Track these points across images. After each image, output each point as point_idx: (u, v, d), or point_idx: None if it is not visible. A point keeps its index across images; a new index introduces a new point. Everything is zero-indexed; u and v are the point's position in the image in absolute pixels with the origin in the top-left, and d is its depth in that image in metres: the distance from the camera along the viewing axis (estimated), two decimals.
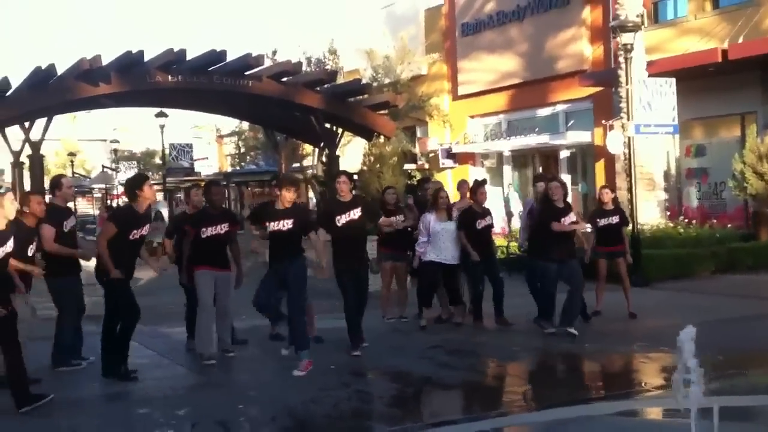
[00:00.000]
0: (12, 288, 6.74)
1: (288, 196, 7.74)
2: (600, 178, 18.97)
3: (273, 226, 7.70)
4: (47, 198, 8.20)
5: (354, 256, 8.29)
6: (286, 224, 7.68)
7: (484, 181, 10.46)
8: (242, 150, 31.13)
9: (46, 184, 9.71)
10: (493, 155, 23.87)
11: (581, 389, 7.36)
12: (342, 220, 8.22)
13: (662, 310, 10.50)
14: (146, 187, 7.68)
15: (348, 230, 8.22)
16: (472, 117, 24.19)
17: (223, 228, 8.15)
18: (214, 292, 8.17)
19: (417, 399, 7.12)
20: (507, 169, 23.37)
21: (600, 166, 19.56)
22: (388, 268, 10.13)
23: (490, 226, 9.99)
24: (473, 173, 22.82)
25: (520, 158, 23.38)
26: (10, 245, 6.55)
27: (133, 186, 7.71)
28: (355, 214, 8.26)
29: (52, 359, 7.96)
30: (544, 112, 21.97)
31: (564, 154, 21.37)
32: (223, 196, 8.66)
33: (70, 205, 9.23)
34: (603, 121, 18.50)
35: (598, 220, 10.04)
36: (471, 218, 9.67)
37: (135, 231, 7.52)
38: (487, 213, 9.92)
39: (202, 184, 9.95)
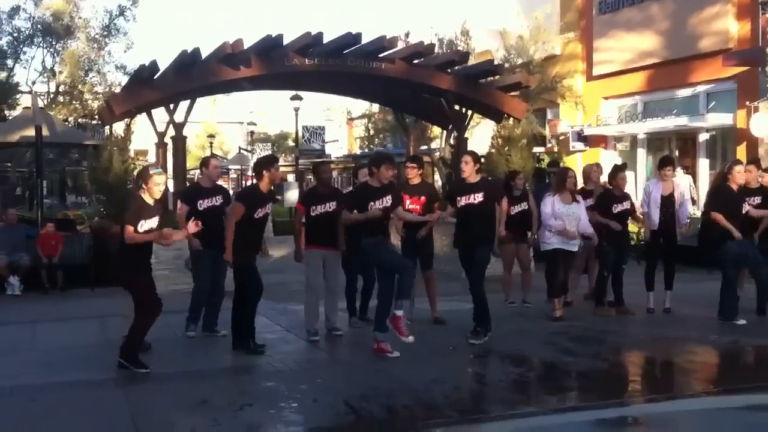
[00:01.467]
0: (147, 259, 7.21)
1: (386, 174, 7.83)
2: None
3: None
4: (196, 176, 8.69)
5: (471, 238, 8.18)
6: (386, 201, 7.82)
7: (624, 166, 10.27)
8: (371, 132, 31.53)
9: (188, 165, 10.19)
10: (626, 138, 23.09)
11: (711, 381, 7.10)
12: (462, 201, 8.19)
13: None
14: (274, 168, 7.97)
15: (466, 213, 8.18)
16: (606, 98, 23.47)
17: (331, 206, 8.31)
18: (322, 270, 8.38)
19: (537, 384, 7.05)
20: (641, 153, 22.55)
21: (741, 150, 18.55)
22: (509, 250, 10.04)
23: (627, 211, 9.69)
24: (605, 157, 22.17)
25: (656, 141, 22.51)
26: (155, 221, 7.08)
27: (263, 166, 8.01)
28: (476, 198, 8.14)
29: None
30: (683, 93, 21.03)
31: (703, 137, 20.39)
32: (331, 175, 8.80)
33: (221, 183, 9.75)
34: (747, 103, 17.53)
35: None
36: (608, 202, 9.49)
37: (260, 210, 7.84)
38: (626, 198, 9.66)
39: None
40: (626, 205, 9.64)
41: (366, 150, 34.33)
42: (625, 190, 9.77)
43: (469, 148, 15.59)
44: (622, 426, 6.09)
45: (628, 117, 22.73)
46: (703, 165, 20.09)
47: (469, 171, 8.25)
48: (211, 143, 47.13)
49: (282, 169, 37.00)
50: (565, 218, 9.02)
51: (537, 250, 9.92)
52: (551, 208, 9.08)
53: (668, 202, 9.52)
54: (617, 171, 9.78)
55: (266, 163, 8.05)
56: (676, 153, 21.36)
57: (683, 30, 20.35)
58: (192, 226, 7.28)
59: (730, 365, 7.75)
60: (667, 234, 9.58)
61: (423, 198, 8.77)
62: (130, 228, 6.91)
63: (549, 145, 24.56)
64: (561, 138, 24.19)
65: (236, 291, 7.96)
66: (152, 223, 7.06)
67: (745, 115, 17.73)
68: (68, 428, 5.82)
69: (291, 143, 40.55)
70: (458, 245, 8.35)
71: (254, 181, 8.33)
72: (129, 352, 7.13)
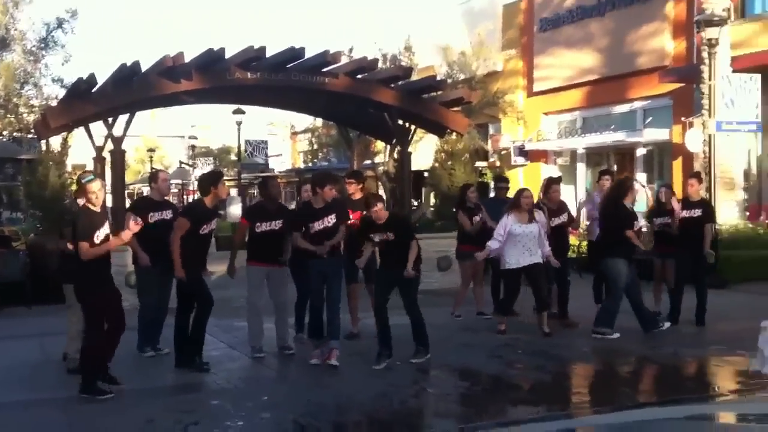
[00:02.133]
0: (109, 271, 7.02)
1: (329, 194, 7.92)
2: (677, 177, 18.51)
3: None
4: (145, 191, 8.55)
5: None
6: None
7: (558, 179, 10.40)
8: (315, 147, 31.49)
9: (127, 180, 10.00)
10: (566, 153, 23.53)
11: (652, 392, 7.23)
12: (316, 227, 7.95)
13: (739, 313, 10.19)
14: (221, 184, 7.90)
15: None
16: (546, 114, 23.90)
17: (278, 224, 8.23)
18: (265, 287, 8.31)
19: (484, 397, 7.08)
20: (581, 167, 23.00)
21: (677, 165, 19.07)
22: (468, 265, 10.07)
23: (564, 224, 9.87)
24: (545, 171, 22.54)
25: (595, 156, 22.98)
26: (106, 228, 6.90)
27: (209, 182, 7.91)
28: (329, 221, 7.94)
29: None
30: (621, 109, 21.54)
31: (641, 152, 20.91)
32: (279, 191, 8.73)
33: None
34: (683, 119, 18.04)
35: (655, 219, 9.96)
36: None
37: (205, 225, 7.76)
38: (562, 211, 9.82)
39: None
40: (563, 218, 9.80)
41: (310, 164, 34.28)
42: (561, 203, 9.93)
43: (413, 162, 15.73)
44: None
45: (568, 132, 23.18)
46: (641, 179, 20.55)
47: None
48: (151, 157, 46.45)
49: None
50: (522, 238, 8.95)
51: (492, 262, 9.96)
52: (505, 229, 8.96)
53: None
54: (550, 183, 9.93)
55: (213, 180, 7.96)
56: (615, 167, 21.82)
57: (621, 47, 20.86)
58: (133, 225, 7.08)
59: (668, 376, 7.90)
60: None
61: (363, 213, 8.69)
62: (84, 245, 6.68)
63: (491, 160, 24.87)
64: (503, 153, 24.53)
65: (180, 307, 7.82)
66: (105, 230, 6.90)
67: (681, 131, 18.24)
68: None
69: (233, 157, 40.22)
70: (384, 266, 8.11)
71: (198, 196, 8.22)
72: (88, 378, 6.82)
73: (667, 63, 19.65)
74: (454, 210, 11.05)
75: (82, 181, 6.97)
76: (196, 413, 6.44)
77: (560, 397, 7.03)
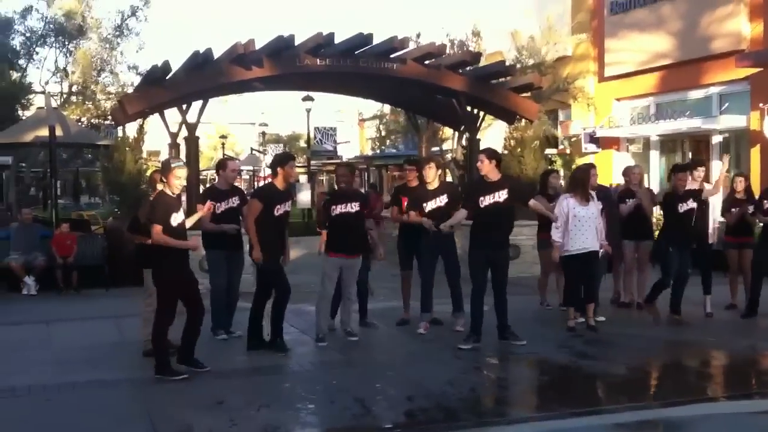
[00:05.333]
0: (186, 256, 7.16)
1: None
2: (755, 166, 17.93)
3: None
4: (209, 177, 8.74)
5: (491, 241, 8.05)
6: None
7: (687, 165, 10.14)
8: (383, 133, 31.55)
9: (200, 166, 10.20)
10: (639, 140, 23.02)
11: (726, 386, 7.06)
12: (486, 201, 8.04)
13: None
14: (288, 166, 7.96)
15: (490, 213, 7.99)
16: (618, 100, 23.39)
17: (354, 206, 8.26)
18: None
19: (553, 387, 7.02)
20: (654, 155, 22.47)
21: (755, 153, 18.46)
22: (547, 254, 9.85)
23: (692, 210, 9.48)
24: (617, 159, 22.09)
25: (669, 143, 22.42)
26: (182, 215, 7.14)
27: (278, 163, 8.02)
28: (501, 195, 7.99)
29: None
30: (696, 94, 20.93)
31: (716, 139, 20.29)
32: (352, 178, 8.78)
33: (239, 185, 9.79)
34: (761, 105, 17.43)
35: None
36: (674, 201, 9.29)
37: (278, 206, 7.83)
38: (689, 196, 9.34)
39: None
40: (690, 203, 9.28)
41: (378, 151, 34.34)
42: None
43: (493, 148, 15.60)
44: (638, 430, 6.07)
45: (641, 119, 22.64)
46: (717, 167, 20.00)
47: (487, 169, 8.07)
48: (223, 144, 47.22)
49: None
50: (584, 221, 8.69)
51: None
52: (566, 210, 8.69)
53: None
54: (677, 171, 9.50)
55: (281, 160, 8.05)
56: (690, 155, 21.26)
57: (695, 31, 20.27)
58: (206, 208, 7.49)
59: (746, 370, 7.70)
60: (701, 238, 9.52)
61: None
62: (158, 227, 6.86)
63: (561, 147, 24.49)
64: (573, 140, 24.13)
65: (258, 292, 7.95)
66: (181, 215, 7.08)
67: (759, 117, 17.64)
68: (84, 428, 5.83)
69: (303, 144, 40.63)
70: (478, 247, 8.11)
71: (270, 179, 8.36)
72: (161, 360, 7.02)
73: (743, 47, 18.99)
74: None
75: (172, 164, 7.15)
76: (267, 396, 6.56)
77: (630, 390, 6.92)
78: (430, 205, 8.59)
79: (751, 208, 9.62)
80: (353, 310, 8.73)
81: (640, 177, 10.29)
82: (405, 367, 7.49)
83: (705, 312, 9.50)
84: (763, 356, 8.04)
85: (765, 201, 9.44)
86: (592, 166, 10.29)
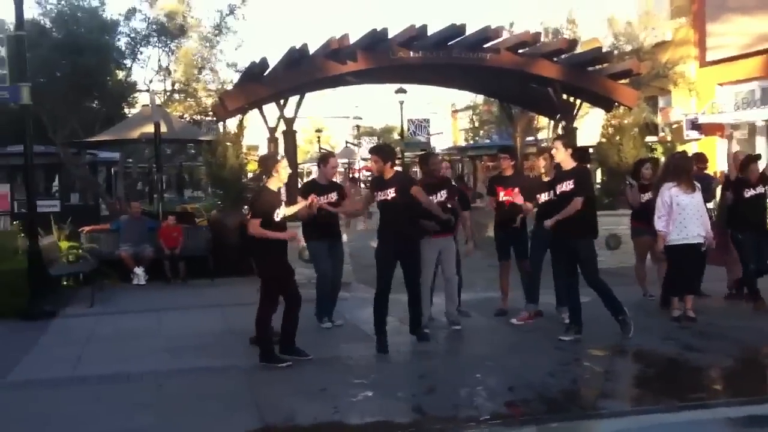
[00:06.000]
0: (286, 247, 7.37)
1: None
2: None
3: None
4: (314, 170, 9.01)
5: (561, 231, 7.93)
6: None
7: (758, 156, 10.10)
8: (476, 124, 31.36)
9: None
10: (744, 126, 22.15)
11: None
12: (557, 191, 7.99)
13: None
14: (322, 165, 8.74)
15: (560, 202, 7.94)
16: (721, 84, 22.56)
17: (442, 195, 8.35)
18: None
19: (657, 380, 6.87)
20: (761, 141, 21.58)
21: None
22: (642, 242, 9.73)
23: (761, 195, 9.29)
24: (721, 146, 21.33)
25: None
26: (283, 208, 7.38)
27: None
28: (568, 185, 7.85)
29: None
30: None
31: None
32: (440, 167, 8.85)
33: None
34: None
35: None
36: (740, 187, 9.21)
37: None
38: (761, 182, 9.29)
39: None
40: (760, 189, 9.27)
41: (471, 142, 34.18)
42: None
43: (579, 138, 15.33)
44: (749, 426, 5.89)
45: (746, 104, 21.78)
46: None
47: (561, 157, 7.92)
48: (319, 137, 47.92)
49: None
50: (689, 210, 8.46)
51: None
52: (668, 200, 8.49)
53: None
54: (749, 162, 9.43)
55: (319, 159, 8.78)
56: None
57: None
58: (309, 200, 7.82)
59: None
60: None
61: (516, 189, 8.63)
62: (255, 221, 7.10)
63: (662, 134, 23.81)
64: (674, 126, 23.42)
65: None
66: (282, 211, 7.31)
67: None
68: (195, 413, 6.07)
69: (396, 136, 40.87)
70: (556, 235, 8.00)
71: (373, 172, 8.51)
72: (265, 347, 7.22)
73: None
74: (624, 185, 10.70)
75: (278, 157, 7.44)
76: (367, 383, 6.68)
77: (738, 383, 6.71)
78: (543, 197, 8.45)
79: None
80: (454, 295, 8.74)
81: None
82: (504, 357, 7.48)
83: None
84: None
85: None
86: (701, 157, 10.03)
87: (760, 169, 9.53)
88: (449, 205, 8.42)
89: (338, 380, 6.77)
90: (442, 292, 8.72)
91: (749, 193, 9.16)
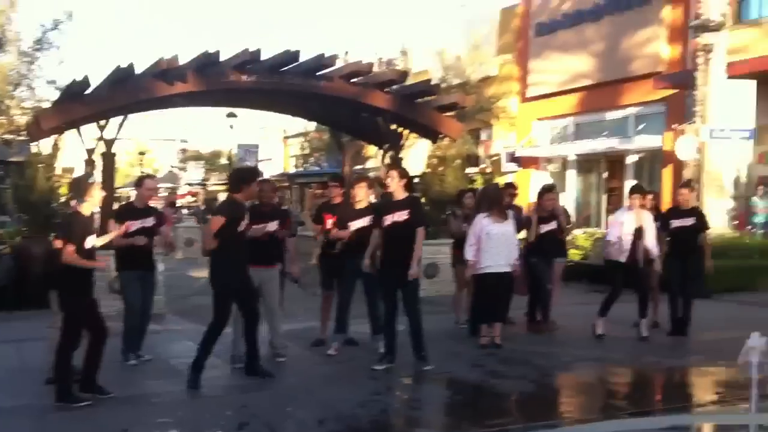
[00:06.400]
0: (91, 278, 6.98)
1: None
2: (666, 186, 18.49)
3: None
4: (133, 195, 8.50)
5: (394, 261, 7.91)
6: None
7: (552, 186, 10.46)
8: (307, 151, 31.48)
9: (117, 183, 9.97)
10: (557, 160, 23.51)
11: (633, 402, 7.18)
12: (388, 220, 7.96)
13: (722, 323, 10.16)
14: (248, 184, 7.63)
15: (393, 232, 7.92)
16: (539, 120, 23.87)
17: (273, 226, 8.20)
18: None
19: (467, 406, 7.04)
20: (571, 174, 22.96)
21: (667, 173, 19.03)
22: (462, 270, 9.84)
23: (554, 231, 9.84)
24: (536, 178, 22.50)
25: (585, 163, 22.94)
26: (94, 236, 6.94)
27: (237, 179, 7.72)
28: (402, 216, 7.91)
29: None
30: (614, 115, 21.52)
31: (631, 159, 20.87)
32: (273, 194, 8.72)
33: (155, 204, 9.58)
34: (675, 126, 18.00)
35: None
36: (528, 222, 9.68)
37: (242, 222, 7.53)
38: (554, 218, 9.88)
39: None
40: (553, 224, 9.80)
41: (301, 169, 34.26)
42: (552, 211, 9.94)
43: (404, 167, 15.68)
44: None
45: (560, 138, 23.14)
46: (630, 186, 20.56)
47: (394, 186, 8.01)
48: (141, 161, 46.38)
49: (215, 187, 36.71)
50: (497, 238, 8.76)
51: None
52: (480, 228, 8.77)
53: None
54: (544, 192, 10.00)
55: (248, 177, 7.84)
56: (605, 175, 21.81)
57: (616, 53, 20.85)
58: (121, 230, 7.37)
59: (648, 386, 7.87)
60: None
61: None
62: (71, 248, 6.66)
63: (482, 166, 24.83)
64: (494, 159, 24.50)
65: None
66: (94, 239, 6.89)
67: (672, 138, 18.20)
68: None
69: (224, 161, 40.29)
70: (383, 265, 8.06)
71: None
72: (62, 386, 6.74)
73: (661, 69, 19.61)
74: (446, 214, 11.00)
75: (89, 180, 7.02)
76: (174, 422, 6.42)
77: (541, 408, 6.99)
78: (356, 224, 8.53)
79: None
80: (278, 326, 8.57)
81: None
82: (318, 389, 7.41)
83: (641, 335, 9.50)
84: (669, 372, 8.22)
85: (672, 220, 9.70)
86: (510, 185, 10.49)
87: (555, 199, 10.06)
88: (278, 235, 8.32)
89: (141, 419, 6.45)
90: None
91: (544, 228, 9.72)
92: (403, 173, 8.23)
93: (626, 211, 9.48)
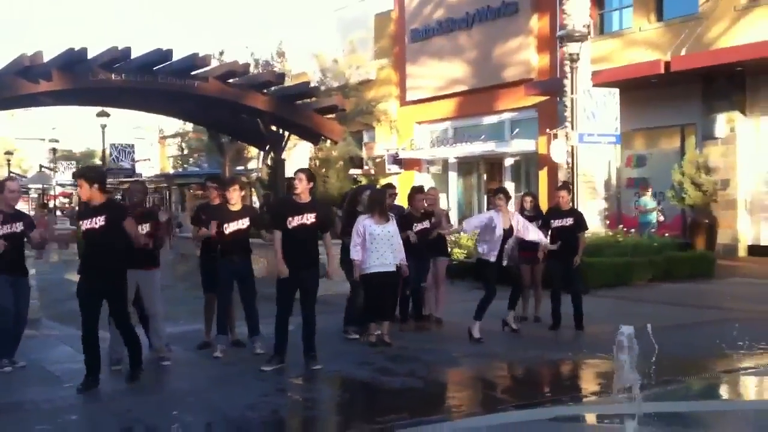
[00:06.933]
0: None
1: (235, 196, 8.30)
2: (543, 187, 19.20)
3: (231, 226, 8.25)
4: None
5: (301, 261, 7.93)
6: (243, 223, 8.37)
7: (421, 188, 10.64)
8: (185, 152, 30.81)
9: None
10: (438, 162, 23.97)
11: (518, 395, 7.38)
12: (294, 222, 7.91)
13: (600, 318, 10.59)
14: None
15: (299, 233, 7.89)
16: (419, 123, 24.28)
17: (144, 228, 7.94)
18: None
19: (354, 404, 7.04)
20: (452, 176, 23.49)
21: (543, 175, 19.79)
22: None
23: (426, 229, 9.99)
24: (419, 179, 22.86)
25: (465, 165, 23.51)
26: None
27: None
28: (309, 218, 7.89)
29: None
30: (490, 119, 22.16)
31: (509, 162, 21.57)
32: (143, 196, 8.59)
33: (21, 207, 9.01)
34: (547, 130, 18.72)
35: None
36: (408, 222, 9.71)
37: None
38: (426, 217, 9.97)
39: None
40: (426, 224, 9.94)
41: (180, 170, 33.48)
42: (427, 210, 10.09)
43: (287, 169, 15.58)
44: None
45: (440, 142, 23.61)
46: (509, 188, 21.14)
47: (302, 189, 8.01)
48: (9, 160, 44.05)
49: None
50: (380, 239, 8.81)
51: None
52: (362, 229, 8.79)
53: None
54: (414, 193, 10.16)
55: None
56: (485, 176, 22.42)
57: (489, 60, 21.48)
58: None
59: (534, 379, 8.12)
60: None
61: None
62: None
63: (366, 167, 25.01)
64: (377, 161, 24.73)
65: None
66: None
67: (546, 142, 18.93)
68: None
69: (98, 161, 38.88)
70: (288, 267, 7.90)
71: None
72: None
73: (532, 76, 20.36)
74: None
75: None
76: (52, 429, 6.09)
77: (431, 402, 7.07)
78: (231, 227, 8.43)
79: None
80: (160, 329, 8.32)
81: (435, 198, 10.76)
82: (205, 392, 7.23)
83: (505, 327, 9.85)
84: (552, 365, 8.51)
85: (552, 220, 10.05)
86: (390, 186, 10.58)
87: (425, 199, 10.22)
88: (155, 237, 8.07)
89: (16, 428, 6.08)
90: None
91: (417, 227, 9.80)
92: (311, 176, 8.22)
93: (495, 212, 9.62)
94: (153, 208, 8.41)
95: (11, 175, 28.35)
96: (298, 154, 21.10)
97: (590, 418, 6.80)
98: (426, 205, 10.13)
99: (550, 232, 9.90)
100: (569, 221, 9.97)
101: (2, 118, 34.67)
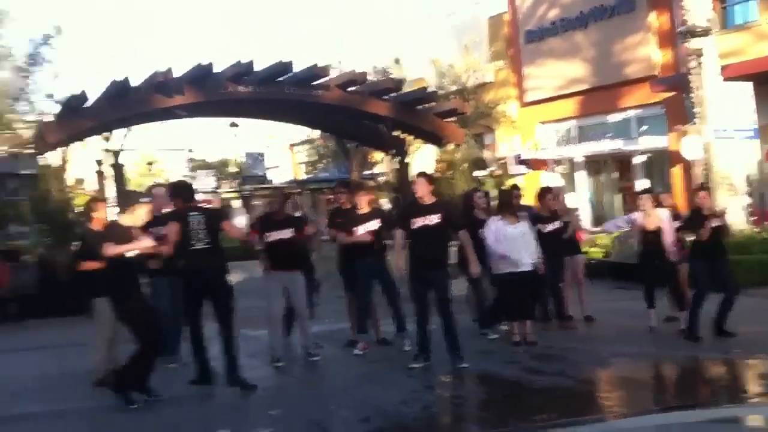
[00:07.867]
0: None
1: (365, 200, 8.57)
2: (677, 184, 18.62)
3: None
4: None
5: (427, 260, 8.01)
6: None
7: (549, 188, 10.62)
8: (315, 158, 31.60)
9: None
10: (565, 161, 23.61)
11: (675, 396, 7.23)
12: (418, 223, 8.03)
13: (750, 318, 10.17)
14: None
15: (423, 234, 7.99)
16: (542, 123, 23.98)
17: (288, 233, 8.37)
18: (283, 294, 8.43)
19: (505, 402, 7.06)
20: (581, 175, 23.05)
21: (676, 172, 19.17)
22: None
23: (558, 230, 9.88)
24: (546, 179, 22.58)
25: (594, 164, 23.06)
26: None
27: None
28: (433, 219, 7.98)
29: None
30: (615, 117, 21.65)
31: (638, 159, 21.02)
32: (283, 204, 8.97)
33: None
34: (676, 127, 18.14)
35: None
36: (536, 222, 9.58)
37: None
38: (555, 218, 9.88)
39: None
40: (558, 224, 9.84)
41: (310, 175, 34.41)
42: (554, 211, 9.97)
43: (412, 172, 15.77)
44: None
45: (564, 141, 23.27)
46: (641, 186, 20.64)
47: (424, 192, 8.13)
48: (150, 170, 46.14)
49: (226, 195, 37.15)
50: (512, 240, 8.73)
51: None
52: (494, 231, 8.77)
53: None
54: (544, 193, 10.08)
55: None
56: (615, 174, 21.94)
57: (609, 58, 21.00)
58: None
59: (689, 380, 7.90)
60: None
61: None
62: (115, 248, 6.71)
63: (491, 169, 24.85)
64: (501, 162, 24.56)
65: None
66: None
67: (676, 138, 18.35)
68: None
69: (233, 169, 40.57)
70: (413, 267, 8.12)
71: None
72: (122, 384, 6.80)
73: (655, 72, 19.78)
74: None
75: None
76: (223, 421, 6.46)
77: (584, 402, 7.01)
78: (361, 229, 8.67)
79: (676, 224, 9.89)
80: (309, 328, 8.66)
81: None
82: (357, 388, 7.43)
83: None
84: (705, 366, 8.24)
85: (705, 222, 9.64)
86: (515, 187, 10.55)
87: (559, 199, 10.10)
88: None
89: (191, 419, 6.43)
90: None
91: (548, 227, 9.69)
92: (429, 179, 8.35)
93: (638, 212, 9.48)
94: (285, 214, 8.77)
95: (159, 183, 29.62)
96: (423, 158, 21.25)
97: (756, 420, 6.56)
98: (553, 205, 10.05)
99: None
100: (718, 222, 9.60)
101: (143, 130, 36.46)
